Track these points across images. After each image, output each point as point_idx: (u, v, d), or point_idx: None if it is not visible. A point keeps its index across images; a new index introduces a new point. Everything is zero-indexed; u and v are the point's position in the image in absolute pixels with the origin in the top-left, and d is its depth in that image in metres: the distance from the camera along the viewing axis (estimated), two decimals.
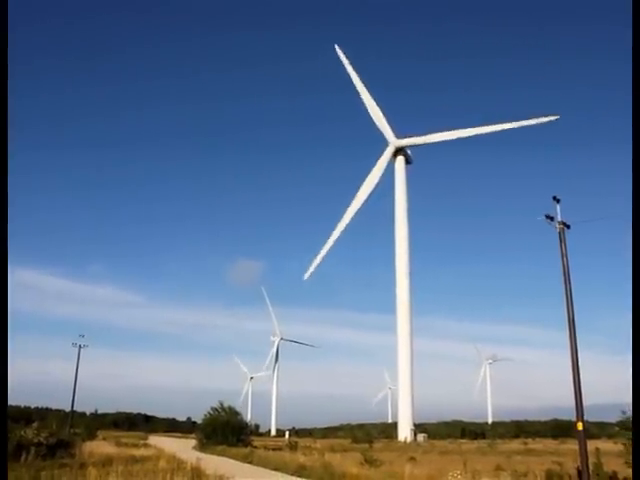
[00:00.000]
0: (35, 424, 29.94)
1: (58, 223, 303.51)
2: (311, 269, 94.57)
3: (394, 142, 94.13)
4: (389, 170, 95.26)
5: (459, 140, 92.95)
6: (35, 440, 26.68)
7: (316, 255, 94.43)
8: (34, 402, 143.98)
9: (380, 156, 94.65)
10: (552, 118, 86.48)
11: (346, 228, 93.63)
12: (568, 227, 24.95)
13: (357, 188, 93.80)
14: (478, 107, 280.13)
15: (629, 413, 22.11)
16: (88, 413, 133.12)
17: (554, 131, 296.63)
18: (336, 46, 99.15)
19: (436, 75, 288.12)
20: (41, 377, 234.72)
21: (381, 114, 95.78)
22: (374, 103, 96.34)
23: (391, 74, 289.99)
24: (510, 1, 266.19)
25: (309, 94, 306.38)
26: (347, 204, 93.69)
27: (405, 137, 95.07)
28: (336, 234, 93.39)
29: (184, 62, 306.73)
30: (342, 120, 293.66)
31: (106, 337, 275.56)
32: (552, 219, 24.98)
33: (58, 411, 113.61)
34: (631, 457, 21.29)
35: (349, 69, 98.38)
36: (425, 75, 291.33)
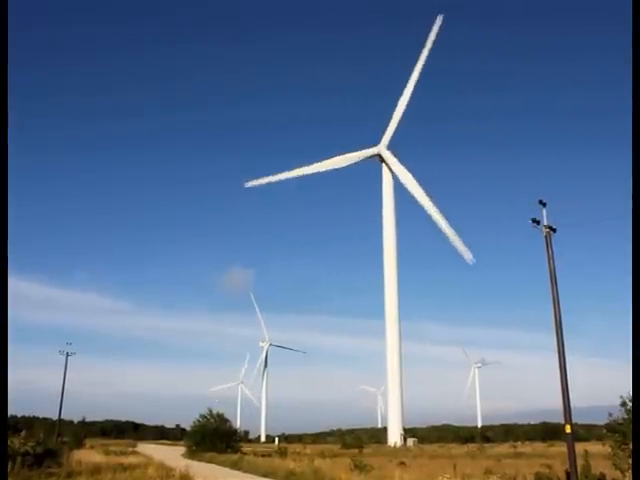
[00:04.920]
0: (22, 433, 29.60)
1: (43, 230, 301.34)
2: (468, 254, 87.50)
3: (382, 147, 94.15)
4: (378, 175, 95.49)
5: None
6: (22, 449, 26.34)
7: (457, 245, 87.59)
8: (21, 411, 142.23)
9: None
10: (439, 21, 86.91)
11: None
12: (554, 231, 25.13)
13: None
14: (473, 108, 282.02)
15: (616, 415, 22.27)
16: (76, 421, 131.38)
17: (542, 134, 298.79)
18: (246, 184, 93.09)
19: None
20: (28, 385, 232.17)
21: (347, 155, 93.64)
22: (332, 160, 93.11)
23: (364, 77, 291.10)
24: (507, 1, 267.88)
25: (302, 99, 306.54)
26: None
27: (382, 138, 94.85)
28: (448, 228, 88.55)
29: (171, 67, 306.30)
30: (334, 125, 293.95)
31: (94, 344, 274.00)
32: (538, 223, 25.15)
33: (45, 419, 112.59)
34: (618, 459, 21.48)
35: (286, 176, 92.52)
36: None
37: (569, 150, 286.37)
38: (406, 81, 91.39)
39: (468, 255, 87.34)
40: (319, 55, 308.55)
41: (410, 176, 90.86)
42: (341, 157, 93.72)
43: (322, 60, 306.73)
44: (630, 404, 21.37)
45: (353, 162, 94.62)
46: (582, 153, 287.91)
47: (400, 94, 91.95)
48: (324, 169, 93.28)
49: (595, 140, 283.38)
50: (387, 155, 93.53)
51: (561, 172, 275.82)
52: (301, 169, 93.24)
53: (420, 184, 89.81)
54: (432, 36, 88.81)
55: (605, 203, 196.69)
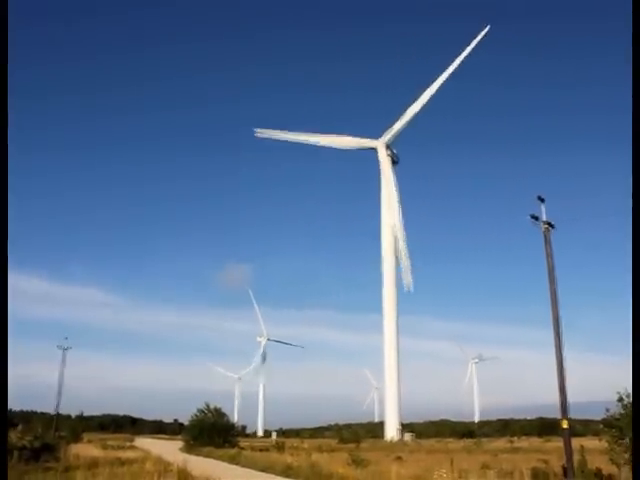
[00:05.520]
0: (19, 427, 29.64)
1: (39, 224, 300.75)
2: (409, 281, 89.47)
3: (380, 143, 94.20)
4: (376, 170, 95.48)
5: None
6: (19, 444, 26.38)
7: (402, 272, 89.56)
8: (18, 405, 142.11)
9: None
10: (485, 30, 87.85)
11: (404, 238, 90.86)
12: (553, 227, 25.11)
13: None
14: (472, 105, 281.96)
15: (613, 411, 22.31)
16: (73, 416, 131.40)
17: (541, 131, 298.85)
18: (255, 131, 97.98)
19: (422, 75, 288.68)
20: (25, 380, 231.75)
21: (348, 138, 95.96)
22: (334, 137, 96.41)
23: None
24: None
25: (303, 96, 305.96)
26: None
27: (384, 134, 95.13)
28: (403, 252, 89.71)
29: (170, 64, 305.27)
30: (337, 126, 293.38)
31: (91, 339, 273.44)
32: (537, 219, 25.11)
33: (43, 414, 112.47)
34: (614, 454, 21.55)
35: (285, 136, 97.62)
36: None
37: (567, 147, 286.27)
38: (419, 84, 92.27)
39: (408, 283, 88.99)
40: (321, 53, 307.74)
41: (393, 184, 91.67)
42: (341, 138, 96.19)
43: (324, 58, 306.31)
44: (627, 399, 21.43)
45: (351, 147, 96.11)
46: (579, 150, 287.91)
47: (408, 95, 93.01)
48: (325, 143, 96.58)
49: (592, 137, 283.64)
50: (382, 153, 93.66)
51: (560, 169, 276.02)
52: (306, 135, 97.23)
53: (399, 197, 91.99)
54: (467, 50, 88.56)
55: (602, 200, 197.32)
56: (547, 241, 24.93)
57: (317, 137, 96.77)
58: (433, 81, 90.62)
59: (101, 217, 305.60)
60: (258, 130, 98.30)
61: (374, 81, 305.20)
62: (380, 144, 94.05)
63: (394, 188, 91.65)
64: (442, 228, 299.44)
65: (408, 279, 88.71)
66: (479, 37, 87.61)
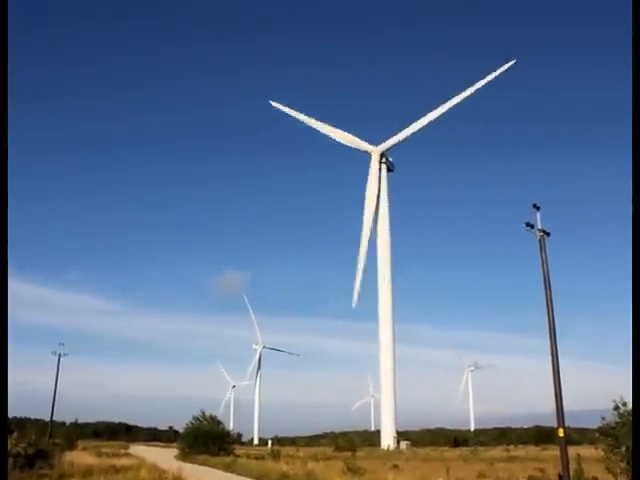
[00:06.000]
0: (14, 434, 29.47)
1: (35, 229, 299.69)
2: (355, 297, 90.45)
3: (376, 150, 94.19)
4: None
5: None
6: (14, 451, 26.23)
7: (353, 283, 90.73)
8: (12, 412, 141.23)
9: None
10: (510, 63, 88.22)
11: (367, 251, 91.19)
12: (548, 234, 25.21)
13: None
14: (469, 112, 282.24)
15: (609, 419, 22.35)
16: (68, 423, 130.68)
17: (536, 137, 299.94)
18: (271, 102, 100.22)
19: (420, 78, 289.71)
20: (21, 387, 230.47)
21: (347, 134, 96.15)
22: (335, 130, 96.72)
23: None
24: (504, 2, 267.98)
25: (305, 99, 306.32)
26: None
27: (382, 142, 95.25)
28: (361, 261, 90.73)
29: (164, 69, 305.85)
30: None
31: (88, 346, 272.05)
32: (532, 227, 25.22)
33: (37, 421, 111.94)
34: (610, 463, 21.55)
35: (296, 115, 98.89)
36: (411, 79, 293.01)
37: (565, 153, 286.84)
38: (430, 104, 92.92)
39: (355, 299, 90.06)
40: (326, 57, 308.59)
41: (374, 192, 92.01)
42: (341, 132, 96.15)
43: (327, 63, 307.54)
44: (623, 408, 21.47)
45: (347, 144, 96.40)
46: (576, 156, 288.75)
47: (415, 101, 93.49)
48: (326, 132, 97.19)
49: (590, 143, 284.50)
50: (374, 160, 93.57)
51: (559, 175, 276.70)
52: (314, 120, 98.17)
53: (377, 207, 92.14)
54: (488, 78, 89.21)
55: (600, 206, 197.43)
56: (542, 248, 25.04)
57: (321, 125, 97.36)
58: (443, 102, 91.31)
59: (98, 223, 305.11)
60: (274, 102, 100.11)
61: (382, 86, 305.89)
62: (375, 151, 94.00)
63: (374, 200, 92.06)
64: (439, 235, 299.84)
65: (355, 296, 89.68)
66: (501, 69, 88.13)
